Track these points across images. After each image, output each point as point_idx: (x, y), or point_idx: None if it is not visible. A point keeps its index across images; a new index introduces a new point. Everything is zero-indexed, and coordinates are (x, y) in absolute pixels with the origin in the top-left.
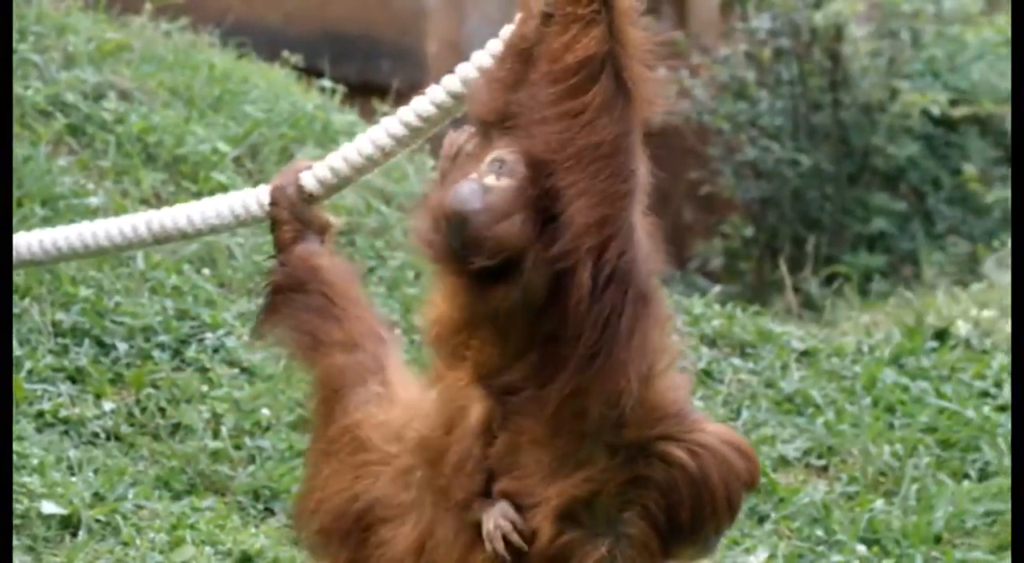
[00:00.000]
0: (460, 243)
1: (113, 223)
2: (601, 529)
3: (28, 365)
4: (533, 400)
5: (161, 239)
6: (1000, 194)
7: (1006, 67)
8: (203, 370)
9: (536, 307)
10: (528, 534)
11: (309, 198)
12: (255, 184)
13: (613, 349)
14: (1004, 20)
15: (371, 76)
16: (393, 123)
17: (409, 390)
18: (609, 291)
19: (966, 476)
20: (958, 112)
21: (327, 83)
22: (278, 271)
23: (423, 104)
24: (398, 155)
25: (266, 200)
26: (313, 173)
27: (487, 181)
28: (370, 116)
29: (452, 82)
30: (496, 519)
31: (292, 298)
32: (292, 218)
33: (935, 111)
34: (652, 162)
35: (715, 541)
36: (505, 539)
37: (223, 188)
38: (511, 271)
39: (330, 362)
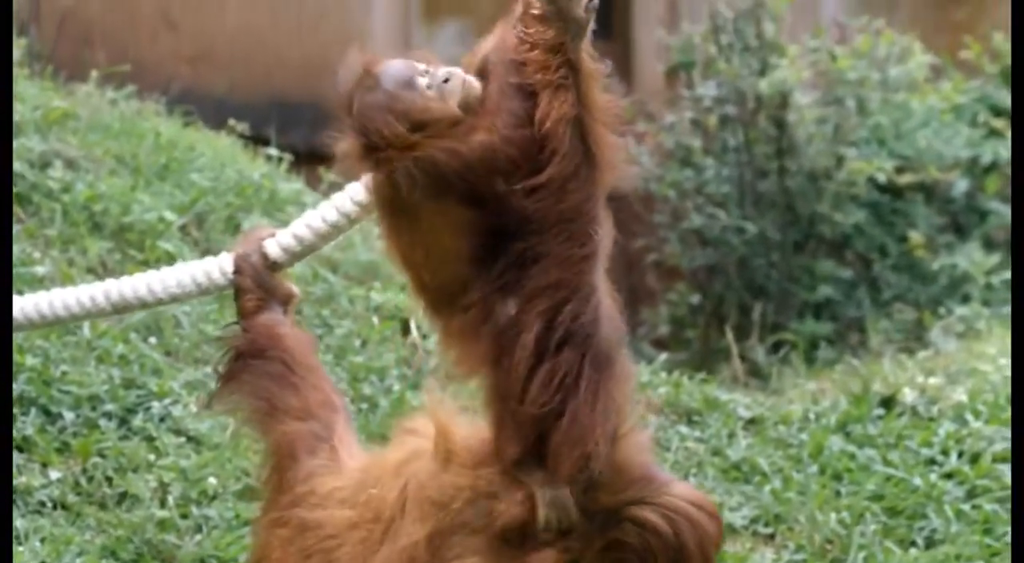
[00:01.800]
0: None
1: (71, 293)
2: None
3: None
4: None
5: (121, 309)
6: (946, 261)
7: (951, 134)
8: (150, 439)
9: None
10: None
11: (273, 266)
12: (202, 253)
13: (576, 413)
14: (949, 87)
15: (317, 144)
16: (357, 190)
17: (356, 460)
18: (564, 354)
19: (913, 544)
20: (904, 179)
21: (273, 151)
22: (240, 337)
23: None
24: (363, 222)
25: (230, 268)
26: (277, 241)
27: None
28: (316, 184)
29: None
30: None
31: (251, 364)
32: (256, 287)
33: (881, 178)
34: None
35: None
36: None
37: (169, 257)
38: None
39: (284, 429)
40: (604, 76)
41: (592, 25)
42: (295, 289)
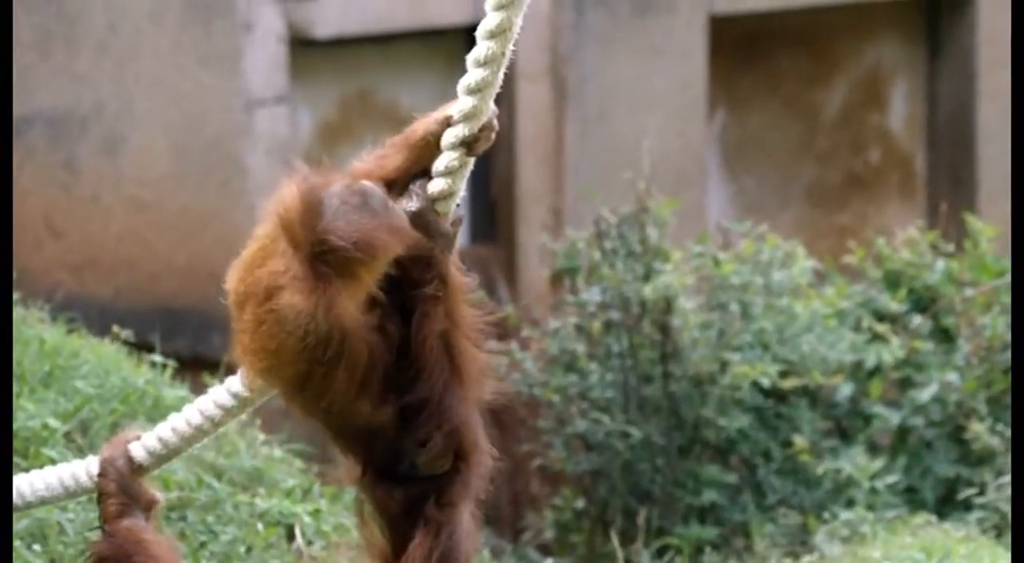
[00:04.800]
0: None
1: None
2: None
3: None
4: None
5: None
6: (830, 465)
7: (835, 338)
8: None
9: None
10: None
11: (139, 469)
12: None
13: None
14: (832, 292)
15: (202, 350)
16: (221, 393)
17: None
18: None
19: None
20: (788, 383)
21: (158, 358)
22: (103, 543)
23: None
24: (227, 425)
25: (95, 471)
26: (142, 444)
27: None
28: (201, 390)
29: None
30: None
31: None
32: (119, 491)
33: (765, 383)
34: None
35: None
36: None
37: (54, 464)
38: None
39: None
40: (471, 290)
41: (459, 239)
42: (158, 495)
